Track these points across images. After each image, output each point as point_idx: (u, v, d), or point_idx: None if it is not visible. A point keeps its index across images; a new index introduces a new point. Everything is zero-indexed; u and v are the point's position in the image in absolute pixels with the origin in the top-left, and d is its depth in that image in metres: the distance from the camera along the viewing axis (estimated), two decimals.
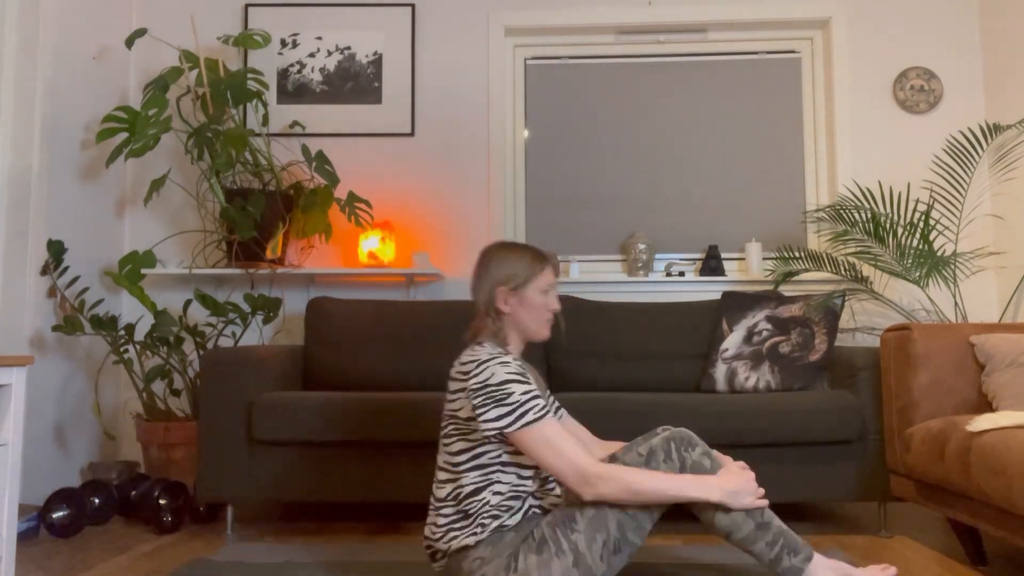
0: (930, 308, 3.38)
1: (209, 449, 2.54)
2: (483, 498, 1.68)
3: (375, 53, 3.60)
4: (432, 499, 1.76)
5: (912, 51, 3.52)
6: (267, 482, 2.53)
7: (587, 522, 1.63)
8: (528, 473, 1.73)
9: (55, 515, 2.55)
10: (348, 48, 3.60)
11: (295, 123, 3.49)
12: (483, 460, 1.70)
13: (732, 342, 2.92)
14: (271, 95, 3.58)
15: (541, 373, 3.08)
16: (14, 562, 2.04)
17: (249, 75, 3.28)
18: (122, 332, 3.00)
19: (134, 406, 3.45)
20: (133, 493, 2.78)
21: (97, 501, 2.72)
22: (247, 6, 3.61)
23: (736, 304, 3.01)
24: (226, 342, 3.34)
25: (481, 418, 1.65)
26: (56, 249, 2.92)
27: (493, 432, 1.65)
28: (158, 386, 3.37)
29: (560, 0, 3.61)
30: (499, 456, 1.70)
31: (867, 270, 3.41)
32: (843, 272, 3.22)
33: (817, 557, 1.70)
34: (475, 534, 1.66)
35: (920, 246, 3.03)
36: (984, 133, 3.02)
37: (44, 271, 2.94)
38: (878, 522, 2.58)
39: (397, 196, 3.56)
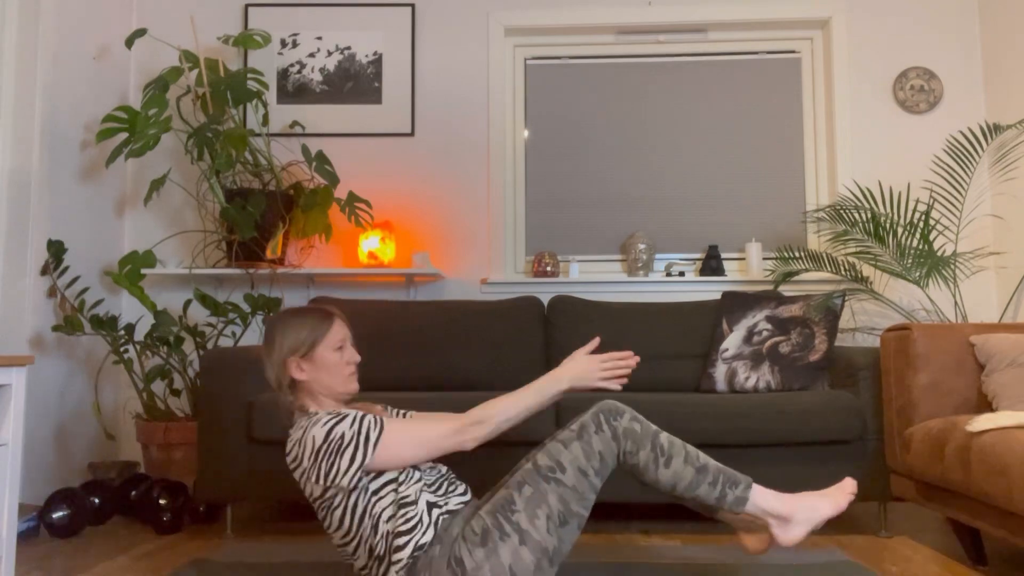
0: (930, 308, 3.38)
1: (209, 449, 2.54)
2: (380, 531, 1.66)
3: (375, 53, 3.60)
4: (357, 569, 1.74)
5: (912, 51, 3.52)
6: (267, 482, 2.53)
7: (525, 501, 1.65)
8: (400, 481, 1.70)
9: (55, 515, 2.55)
10: (348, 48, 3.60)
11: (295, 123, 3.50)
12: (359, 508, 1.68)
13: (732, 342, 2.92)
14: (271, 95, 3.59)
15: (541, 373, 3.07)
16: (14, 562, 2.04)
17: (249, 75, 3.28)
18: (122, 332, 3.00)
19: (134, 406, 3.45)
20: (133, 493, 2.78)
21: (97, 501, 2.72)
22: (247, 6, 3.61)
23: (736, 304, 3.01)
24: (226, 342, 3.34)
25: (337, 477, 1.63)
26: (56, 249, 2.92)
27: (356, 476, 1.63)
28: (158, 386, 3.37)
29: (560, 0, 3.61)
30: (366, 493, 1.68)
31: (867, 270, 3.41)
32: (843, 272, 3.22)
33: (756, 486, 1.76)
34: (398, 561, 1.64)
35: (920, 246, 3.03)
36: (984, 133, 3.03)
37: (44, 271, 2.94)
38: (878, 522, 2.58)
39: (397, 196, 3.56)
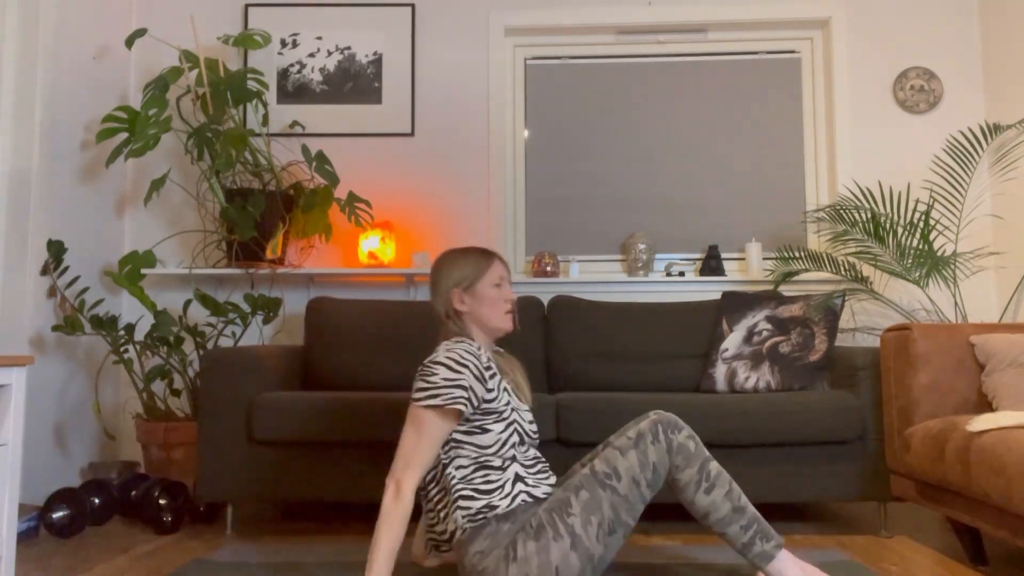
0: (930, 308, 3.38)
1: (209, 449, 2.54)
2: (449, 473, 1.76)
3: (375, 53, 3.60)
4: (421, 501, 1.85)
5: (912, 51, 3.52)
6: (267, 482, 2.53)
7: (582, 506, 1.68)
8: (488, 443, 1.77)
9: (55, 515, 2.55)
10: (348, 48, 3.60)
11: (295, 123, 3.50)
12: (457, 449, 1.78)
13: (732, 342, 2.92)
14: (271, 95, 3.59)
15: (541, 373, 3.08)
16: (14, 562, 2.04)
17: (249, 75, 3.28)
18: (122, 332, 3.00)
19: (134, 406, 3.45)
20: (133, 493, 2.78)
21: (97, 501, 2.72)
22: (247, 6, 3.61)
23: (736, 304, 3.01)
24: (226, 342, 3.34)
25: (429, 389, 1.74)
26: (56, 249, 2.92)
27: (422, 401, 1.73)
28: (158, 386, 3.37)
29: (560, 0, 3.61)
30: (451, 434, 1.77)
31: (867, 270, 3.41)
32: (843, 272, 3.22)
33: (785, 551, 1.76)
34: (460, 507, 1.72)
35: (920, 246, 3.03)
36: (984, 133, 3.03)
37: (44, 271, 2.94)
38: (878, 522, 2.58)
39: (397, 196, 3.56)
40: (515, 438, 1.81)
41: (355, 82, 3.59)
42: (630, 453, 1.72)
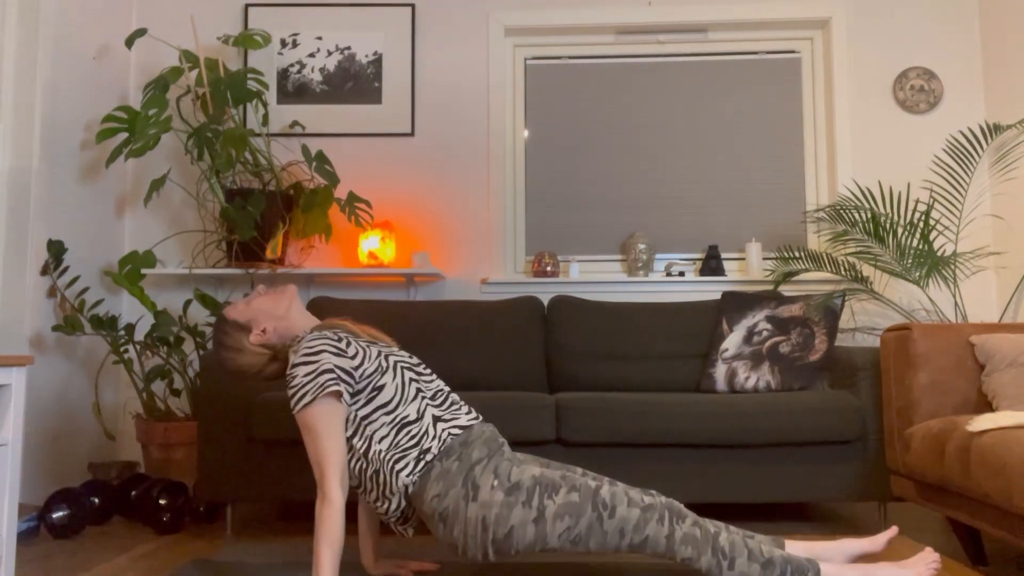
0: (930, 308, 3.38)
1: (209, 449, 2.54)
2: (374, 450, 1.76)
3: (375, 53, 3.60)
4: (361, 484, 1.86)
5: (912, 51, 3.52)
6: (267, 482, 2.53)
7: (566, 503, 1.68)
8: (390, 395, 1.78)
9: (55, 515, 2.55)
10: (348, 48, 3.60)
11: (295, 123, 3.50)
12: (346, 431, 1.78)
13: (732, 342, 2.92)
14: (271, 95, 3.59)
15: (541, 373, 3.08)
16: (14, 562, 2.04)
17: (249, 75, 3.28)
18: (122, 332, 3.00)
19: (134, 406, 3.45)
20: (133, 493, 2.78)
21: (97, 501, 2.72)
22: (247, 6, 3.61)
23: (736, 304, 3.01)
24: None
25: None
26: (56, 249, 2.92)
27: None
28: (158, 386, 3.37)
29: (560, 0, 3.61)
30: (355, 416, 1.78)
31: (867, 270, 3.41)
32: (843, 272, 3.22)
33: (825, 566, 1.68)
34: (398, 471, 1.73)
35: (920, 246, 3.03)
36: (984, 133, 3.03)
37: (44, 271, 2.94)
38: (878, 522, 2.58)
39: (397, 196, 3.56)
40: (408, 374, 1.84)
41: (355, 82, 3.59)
42: (634, 511, 1.68)
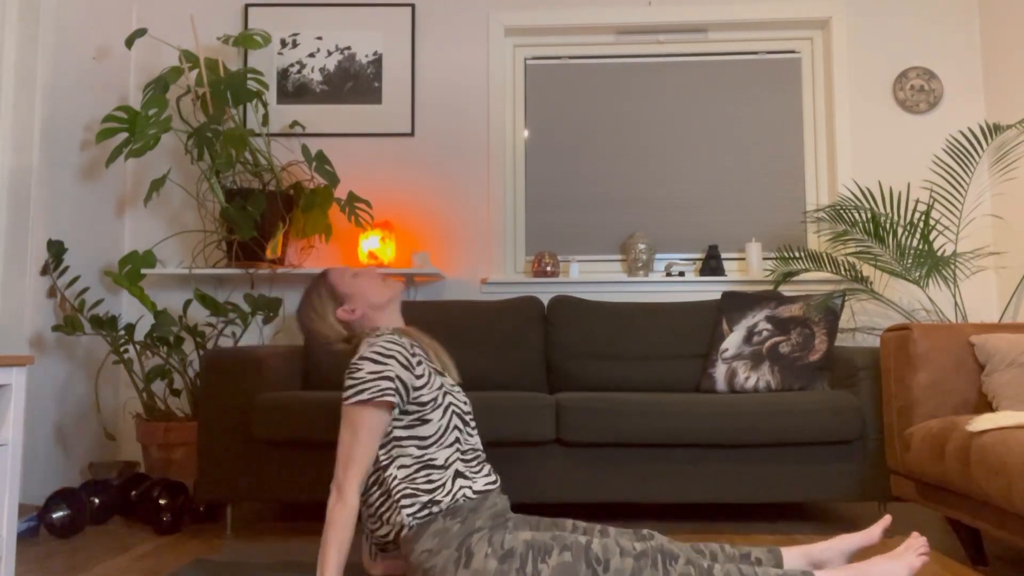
0: (930, 308, 3.38)
1: (209, 449, 2.54)
2: (391, 474, 1.75)
3: (375, 53, 3.60)
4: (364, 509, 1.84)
5: (912, 51, 3.52)
6: (267, 482, 2.53)
7: (558, 563, 1.63)
8: (429, 432, 1.77)
9: (55, 515, 2.55)
10: (348, 48, 3.60)
11: (295, 123, 3.50)
12: (397, 448, 1.76)
13: (732, 342, 2.92)
14: (271, 95, 3.59)
15: (541, 373, 3.08)
16: (14, 562, 2.04)
17: (249, 75, 3.28)
18: (122, 332, 3.00)
19: (134, 406, 3.45)
20: (133, 493, 2.78)
21: (97, 501, 2.72)
22: (247, 6, 3.61)
23: (736, 304, 3.01)
24: (226, 342, 3.34)
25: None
26: (56, 249, 2.92)
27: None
28: (158, 386, 3.37)
29: (560, 0, 3.61)
30: (391, 432, 1.76)
31: (867, 270, 3.41)
32: (843, 272, 3.22)
33: (819, 574, 1.66)
34: (403, 506, 1.71)
35: (920, 246, 3.03)
36: (984, 133, 3.03)
37: (44, 271, 2.94)
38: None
39: (397, 196, 3.56)
40: (456, 421, 1.82)
41: (355, 82, 3.59)
42: (627, 560, 1.64)
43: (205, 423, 2.55)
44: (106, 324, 2.94)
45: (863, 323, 3.41)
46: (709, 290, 3.44)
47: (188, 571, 2.10)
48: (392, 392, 1.72)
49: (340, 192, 3.47)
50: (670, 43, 3.68)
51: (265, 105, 3.37)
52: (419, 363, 1.79)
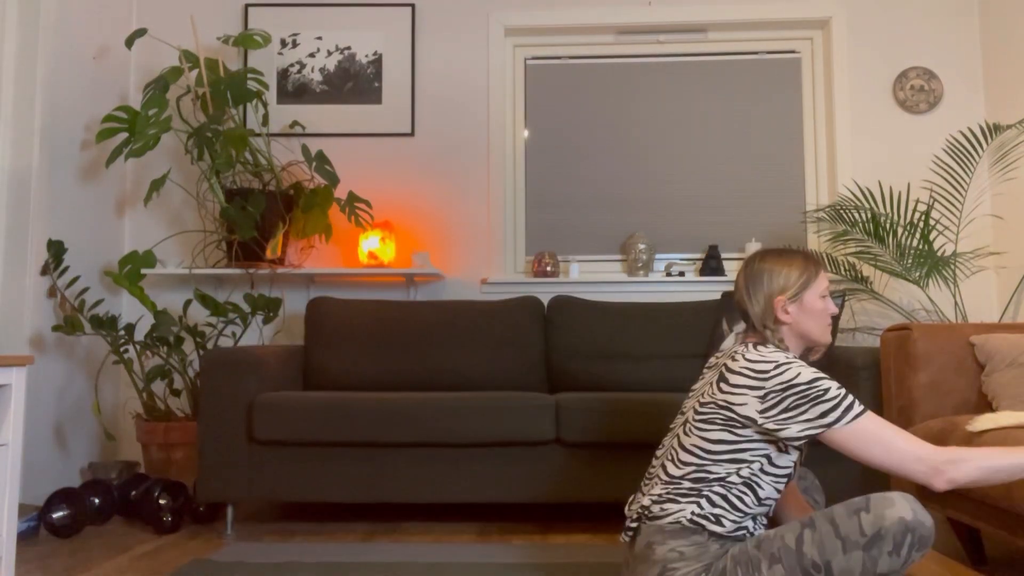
0: (930, 308, 3.38)
1: (209, 449, 2.54)
2: (716, 472, 1.57)
3: (375, 53, 3.60)
4: (658, 473, 1.65)
5: (912, 51, 3.52)
6: (267, 482, 2.53)
7: None
8: (783, 463, 1.59)
9: (55, 515, 2.55)
10: (348, 48, 3.60)
11: (295, 123, 3.49)
12: (743, 456, 1.58)
13: (732, 342, 2.91)
14: (271, 95, 3.58)
15: (541, 373, 3.08)
16: (14, 562, 2.04)
17: (249, 75, 3.28)
18: (122, 332, 3.00)
19: (134, 406, 3.45)
20: (133, 493, 2.78)
21: (97, 501, 2.72)
22: (247, 6, 3.61)
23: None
24: (226, 342, 3.33)
25: (789, 423, 1.53)
26: (56, 249, 2.92)
27: (805, 433, 1.52)
28: (158, 386, 3.37)
29: (560, 0, 3.61)
30: (756, 461, 1.59)
31: (867, 270, 3.41)
32: (843, 272, 3.22)
33: None
34: (696, 503, 1.56)
35: (920, 246, 3.03)
36: (984, 133, 3.02)
37: (44, 271, 2.94)
38: None
39: (397, 196, 3.56)
40: (797, 462, 1.64)
41: (355, 82, 3.59)
42: (855, 554, 1.38)
43: (205, 423, 2.55)
44: (106, 324, 2.94)
45: (863, 323, 3.41)
46: (709, 290, 3.44)
47: (188, 571, 2.10)
48: (858, 400, 1.55)
49: (340, 192, 3.47)
50: (670, 43, 3.68)
51: (265, 105, 3.37)
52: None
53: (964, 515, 2.04)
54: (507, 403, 2.52)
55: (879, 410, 2.55)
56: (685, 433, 1.66)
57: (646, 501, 1.63)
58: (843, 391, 1.54)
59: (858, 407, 1.52)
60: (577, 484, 2.54)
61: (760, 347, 1.65)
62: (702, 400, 1.66)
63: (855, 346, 3.01)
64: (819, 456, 2.53)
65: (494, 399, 2.53)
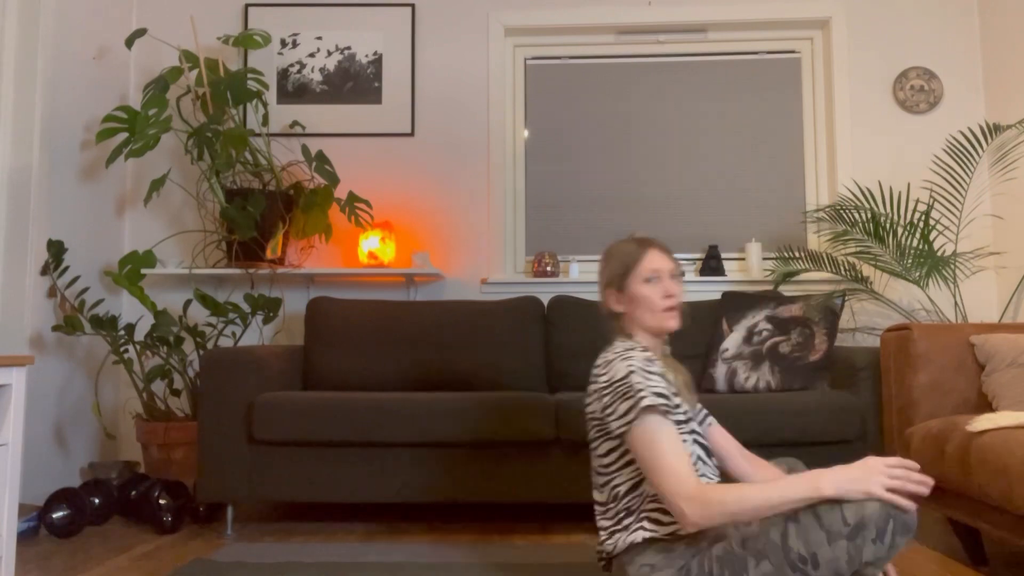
0: (930, 308, 3.38)
1: (209, 449, 2.54)
2: (641, 492, 1.58)
3: (375, 53, 3.60)
4: (595, 506, 1.69)
5: (912, 51, 3.52)
6: (267, 482, 2.53)
7: None
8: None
9: (55, 515, 2.55)
10: (348, 48, 3.60)
11: (295, 123, 3.50)
12: (631, 458, 1.60)
13: (732, 342, 2.92)
14: (271, 95, 3.59)
15: (541, 373, 3.08)
16: (14, 562, 2.04)
17: (249, 75, 3.28)
18: (122, 332, 3.00)
19: (134, 406, 3.45)
20: (133, 493, 2.78)
21: (97, 501, 2.72)
22: (247, 6, 3.61)
23: (736, 304, 3.01)
24: (226, 342, 3.33)
25: (610, 417, 1.57)
26: (56, 249, 2.92)
27: (624, 430, 1.54)
28: (158, 386, 3.37)
29: (560, 0, 3.61)
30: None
31: (867, 270, 3.41)
32: (843, 272, 3.22)
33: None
34: (643, 528, 1.55)
35: (920, 246, 3.03)
36: (984, 133, 3.02)
37: (44, 271, 2.94)
38: None
39: (397, 196, 3.56)
40: (698, 450, 1.64)
41: (355, 82, 3.59)
42: (840, 544, 1.35)
43: (205, 423, 2.55)
44: (106, 324, 2.94)
45: (863, 323, 3.41)
46: (709, 290, 3.44)
47: (188, 571, 2.10)
48: (654, 404, 1.55)
49: (340, 192, 3.47)
50: (670, 43, 3.68)
51: (265, 105, 3.37)
52: (675, 393, 1.63)
53: (964, 515, 2.04)
54: (507, 403, 2.52)
55: (879, 410, 2.55)
56: (591, 456, 1.70)
57: (604, 537, 1.65)
58: (644, 390, 1.51)
59: (647, 402, 1.49)
60: (577, 484, 2.54)
61: (607, 348, 1.68)
62: (586, 420, 1.68)
63: (855, 346, 3.01)
64: (816, 455, 2.53)
65: (494, 399, 2.53)
